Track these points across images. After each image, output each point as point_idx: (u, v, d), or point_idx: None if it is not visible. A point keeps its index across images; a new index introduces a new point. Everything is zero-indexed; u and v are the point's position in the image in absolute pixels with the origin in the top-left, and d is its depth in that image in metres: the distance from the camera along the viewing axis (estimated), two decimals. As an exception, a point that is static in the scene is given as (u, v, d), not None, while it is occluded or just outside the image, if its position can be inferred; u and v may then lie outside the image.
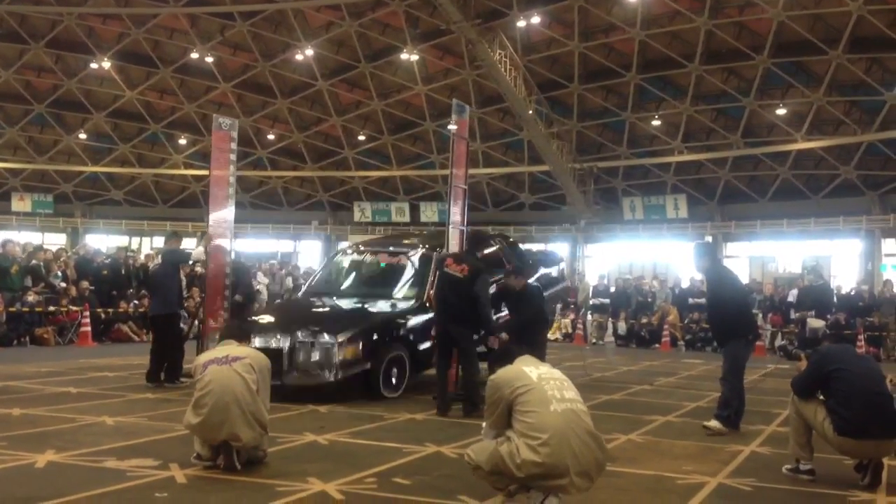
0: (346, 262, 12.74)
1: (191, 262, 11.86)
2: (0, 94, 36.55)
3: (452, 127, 11.29)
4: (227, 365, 6.12)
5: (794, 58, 27.86)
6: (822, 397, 6.30)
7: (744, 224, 32.60)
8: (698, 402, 10.68)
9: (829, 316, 18.40)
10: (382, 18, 31.34)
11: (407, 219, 37.54)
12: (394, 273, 11.74)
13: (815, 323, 19.66)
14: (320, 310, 11.22)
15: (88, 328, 16.98)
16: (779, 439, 7.71)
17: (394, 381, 10.08)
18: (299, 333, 9.64)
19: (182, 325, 12.92)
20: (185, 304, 14.59)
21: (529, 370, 5.10)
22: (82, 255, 21.14)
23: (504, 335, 9.68)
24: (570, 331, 22.92)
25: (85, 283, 18.13)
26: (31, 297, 16.82)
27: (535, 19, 28.53)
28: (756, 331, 9.44)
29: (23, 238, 26.79)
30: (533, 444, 4.77)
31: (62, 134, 38.99)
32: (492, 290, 10.11)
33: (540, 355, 9.61)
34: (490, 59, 27.63)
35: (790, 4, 25.75)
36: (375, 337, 10.01)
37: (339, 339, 9.59)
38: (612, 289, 24.07)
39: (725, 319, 8.68)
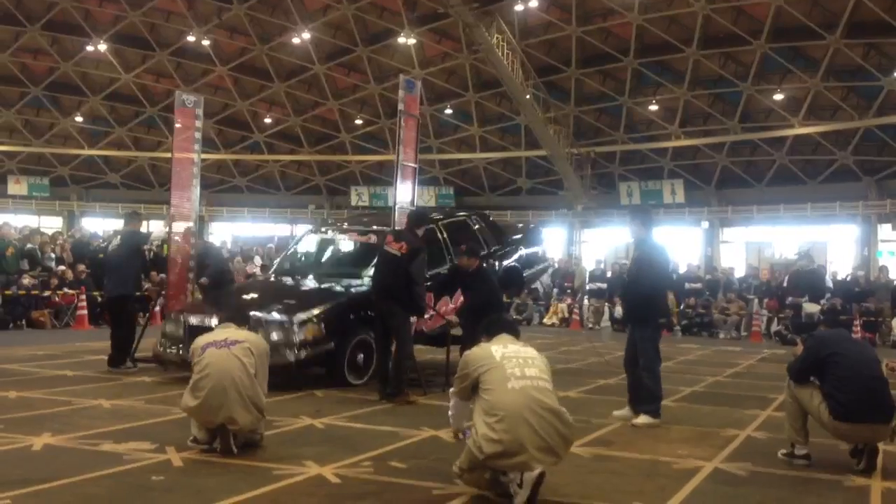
0: (315, 241, 12.21)
1: (149, 245, 11.54)
2: (-4, 76, 36.42)
3: (401, 105, 10.86)
4: (226, 348, 6.11)
5: (791, 43, 27.76)
6: (817, 382, 6.31)
7: (740, 209, 32.60)
8: (694, 387, 10.70)
9: (822, 301, 18.44)
10: (380, 2, 31.20)
11: (404, 203, 37.44)
12: (363, 253, 11.06)
13: (810, 308, 19.65)
14: (283, 289, 10.74)
15: (85, 311, 16.97)
16: (774, 424, 7.73)
17: (360, 365, 9.60)
18: (258, 313, 9.05)
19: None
20: (145, 289, 14.21)
21: (496, 349, 5.28)
22: (78, 238, 21.13)
23: (455, 318, 9.64)
24: (567, 315, 22.93)
25: (81, 267, 18.11)
26: (26, 280, 16.81)
27: (533, 3, 28.39)
28: (668, 314, 8.78)
29: (19, 221, 26.70)
30: (489, 421, 4.94)
31: (58, 117, 38.85)
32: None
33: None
34: (487, 43, 27.54)
35: (789, -11, 25.69)
36: (339, 317, 9.52)
37: (300, 318, 9.23)
38: (609, 273, 24.05)
39: (643, 300, 8.03)
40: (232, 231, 37.90)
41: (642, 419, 7.75)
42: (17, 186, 40.67)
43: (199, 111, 11.72)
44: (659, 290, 8.15)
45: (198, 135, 11.61)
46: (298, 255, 12.12)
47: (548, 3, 29.21)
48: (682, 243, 33.08)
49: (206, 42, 33.68)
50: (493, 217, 14.60)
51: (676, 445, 6.93)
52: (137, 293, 11.07)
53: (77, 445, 6.18)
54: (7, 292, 16.40)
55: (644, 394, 7.91)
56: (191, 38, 33.46)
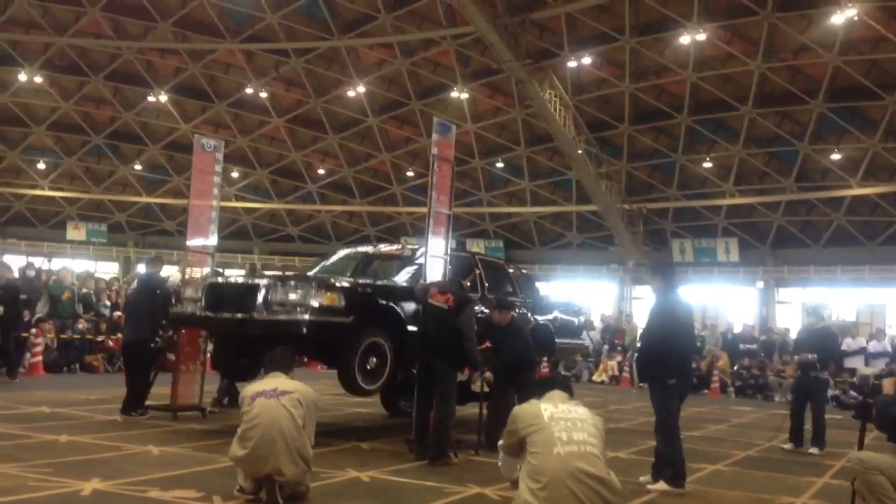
0: (348, 254, 12.24)
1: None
2: (59, 124, 37.44)
3: (434, 149, 10.63)
4: (276, 399, 6.12)
5: (849, 103, 27.51)
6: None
7: (797, 270, 32.05)
8: (748, 451, 10.45)
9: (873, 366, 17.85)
10: (434, 57, 31.62)
11: (454, 255, 37.47)
12: (394, 264, 11.24)
13: (865, 371, 19.12)
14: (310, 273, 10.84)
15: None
16: (831, 492, 7.49)
17: (371, 369, 9.04)
18: (280, 274, 9.17)
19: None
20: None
21: (545, 408, 5.16)
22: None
23: (488, 374, 9.35)
24: (617, 373, 22.62)
25: (135, 313, 18.34)
26: (81, 325, 17.07)
27: (586, 60, 28.55)
28: (682, 376, 7.80)
29: (77, 266, 27.23)
30: (533, 487, 4.86)
31: (118, 165, 39.75)
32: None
33: (526, 398, 9.40)
34: (540, 98, 27.70)
35: (846, 49, 25.48)
36: (359, 297, 9.08)
37: (320, 282, 8.99)
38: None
39: (650, 358, 7.78)
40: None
41: (660, 485, 7.40)
42: (75, 232, 41.56)
43: (220, 155, 11.51)
44: (669, 347, 7.58)
45: (217, 179, 11.40)
46: (333, 264, 11.99)
47: (601, 59, 29.35)
48: (736, 303, 32.60)
49: (263, 94, 34.37)
50: (542, 272, 14.38)
51: (730, 512, 6.74)
52: (156, 338, 10.92)
53: (125, 491, 6.19)
54: (62, 336, 16.67)
55: (665, 460, 7.55)
56: (248, 91, 34.17)
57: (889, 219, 29.68)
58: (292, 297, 8.72)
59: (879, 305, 30.14)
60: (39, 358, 15.71)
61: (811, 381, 10.84)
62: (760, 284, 32.89)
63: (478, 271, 11.03)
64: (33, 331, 15.68)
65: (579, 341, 13.94)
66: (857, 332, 22.30)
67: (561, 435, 4.98)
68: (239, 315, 8.90)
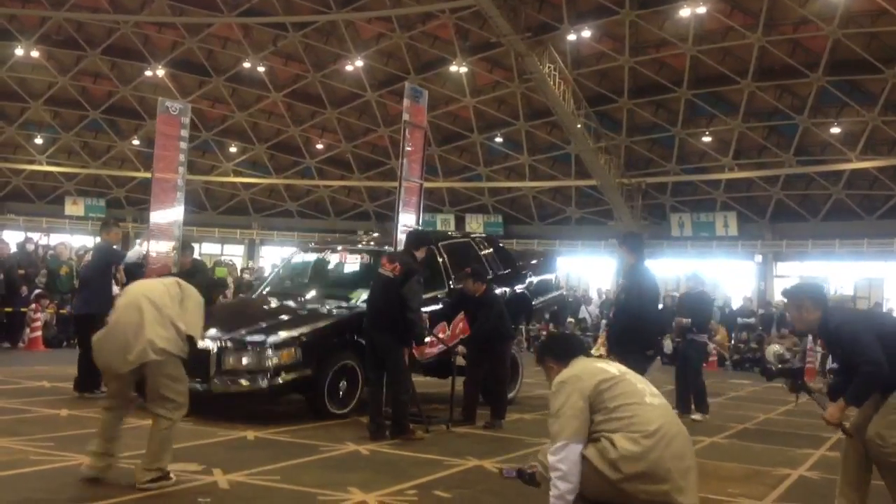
0: (306, 259, 11.63)
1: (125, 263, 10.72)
2: (57, 99, 37.30)
3: (406, 115, 10.08)
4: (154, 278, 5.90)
5: (849, 76, 27.40)
6: None
7: (795, 243, 32.07)
8: (745, 424, 10.51)
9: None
10: (432, 31, 31.46)
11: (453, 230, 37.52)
12: (356, 272, 10.55)
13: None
14: (262, 309, 9.95)
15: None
16: (828, 464, 7.53)
17: (341, 394, 8.82)
18: (230, 333, 8.48)
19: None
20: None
21: (603, 365, 4.48)
22: (134, 260, 21.40)
23: (461, 348, 9.28)
24: (614, 347, 22.69)
25: (134, 287, 18.34)
26: (80, 300, 17.03)
27: (586, 33, 28.40)
28: (654, 346, 7.97)
29: (76, 242, 27.23)
30: (634, 435, 4.05)
31: (116, 140, 39.65)
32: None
33: (501, 372, 9.37)
34: (539, 72, 27.58)
35: (846, 22, 25.36)
36: (320, 341, 8.71)
37: (275, 341, 8.42)
38: (660, 306, 23.72)
39: (626, 330, 7.78)
40: (281, 255, 38.22)
41: None
42: (74, 207, 41.52)
43: (186, 120, 10.87)
44: (645, 319, 7.70)
45: (183, 145, 10.69)
46: (288, 275, 11.44)
47: (600, 33, 29.20)
48: (734, 277, 32.63)
49: (261, 68, 34.24)
50: (541, 246, 14.30)
51: (727, 483, 6.79)
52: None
53: (125, 465, 6.21)
54: (62, 311, 16.66)
55: None
56: (246, 65, 34.02)
57: (888, 192, 29.67)
58: (246, 361, 8.32)
59: (877, 279, 30.17)
60: (39, 333, 15.71)
61: (687, 343, 10.91)
62: (759, 258, 32.96)
63: (440, 259, 10.37)
64: (32, 306, 15.67)
65: (556, 294, 13.71)
66: (854, 305, 22.35)
67: (643, 387, 4.29)
68: (197, 386, 7.94)
